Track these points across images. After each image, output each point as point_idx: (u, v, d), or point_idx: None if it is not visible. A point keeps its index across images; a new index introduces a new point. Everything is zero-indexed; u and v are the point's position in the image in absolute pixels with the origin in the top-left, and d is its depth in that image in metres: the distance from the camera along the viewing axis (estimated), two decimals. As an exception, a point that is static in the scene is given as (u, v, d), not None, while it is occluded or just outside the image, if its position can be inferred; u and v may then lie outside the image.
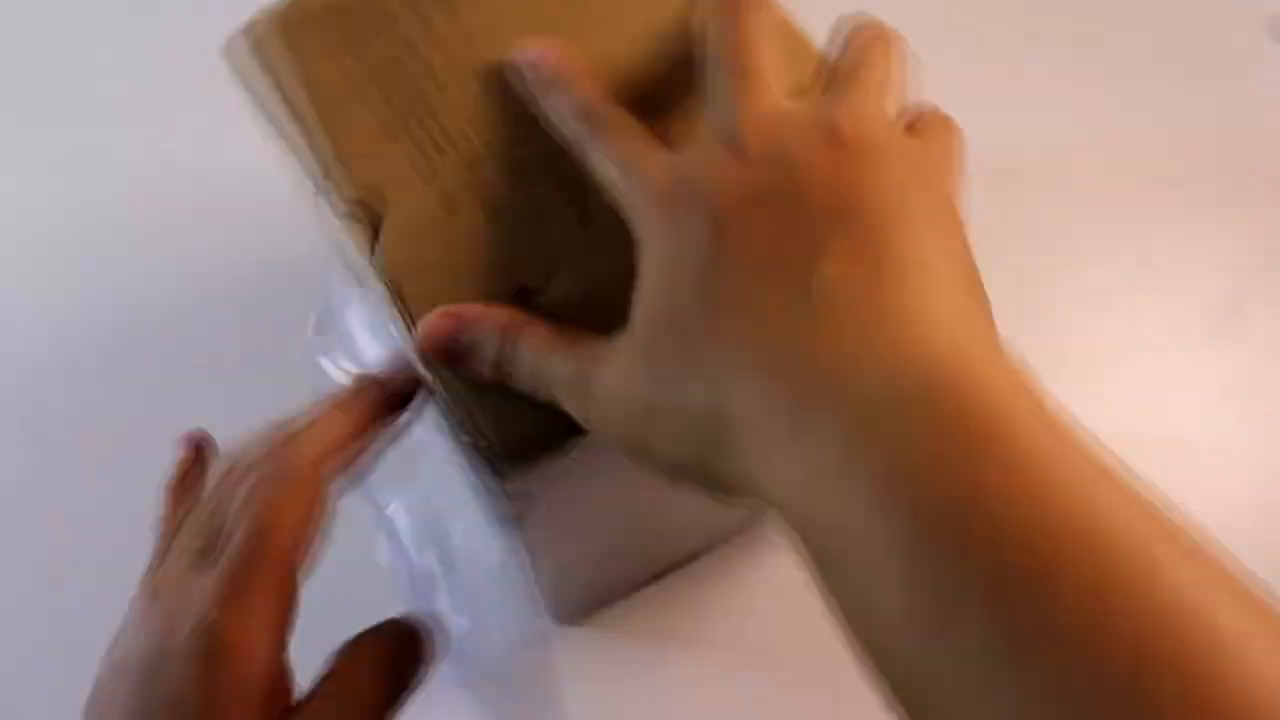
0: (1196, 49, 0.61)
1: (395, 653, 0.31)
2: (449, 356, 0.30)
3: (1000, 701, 0.21)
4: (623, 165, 0.29)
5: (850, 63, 0.30)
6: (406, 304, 0.32)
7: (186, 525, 0.31)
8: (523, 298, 0.32)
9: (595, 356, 0.28)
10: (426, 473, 0.44)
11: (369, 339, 0.44)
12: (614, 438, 0.28)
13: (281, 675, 0.29)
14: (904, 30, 0.32)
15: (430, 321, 0.30)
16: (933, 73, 0.34)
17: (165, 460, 0.35)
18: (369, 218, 0.33)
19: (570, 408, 0.29)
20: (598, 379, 0.28)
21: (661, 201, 0.28)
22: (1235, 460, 0.51)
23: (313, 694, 0.29)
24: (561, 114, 0.32)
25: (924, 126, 0.30)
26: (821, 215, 0.26)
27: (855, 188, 0.26)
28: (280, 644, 0.29)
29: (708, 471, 0.26)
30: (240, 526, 0.29)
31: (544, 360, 0.29)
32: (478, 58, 0.34)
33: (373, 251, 0.32)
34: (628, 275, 0.29)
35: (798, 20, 0.35)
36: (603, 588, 0.48)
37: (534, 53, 0.33)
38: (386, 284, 0.32)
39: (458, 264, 0.32)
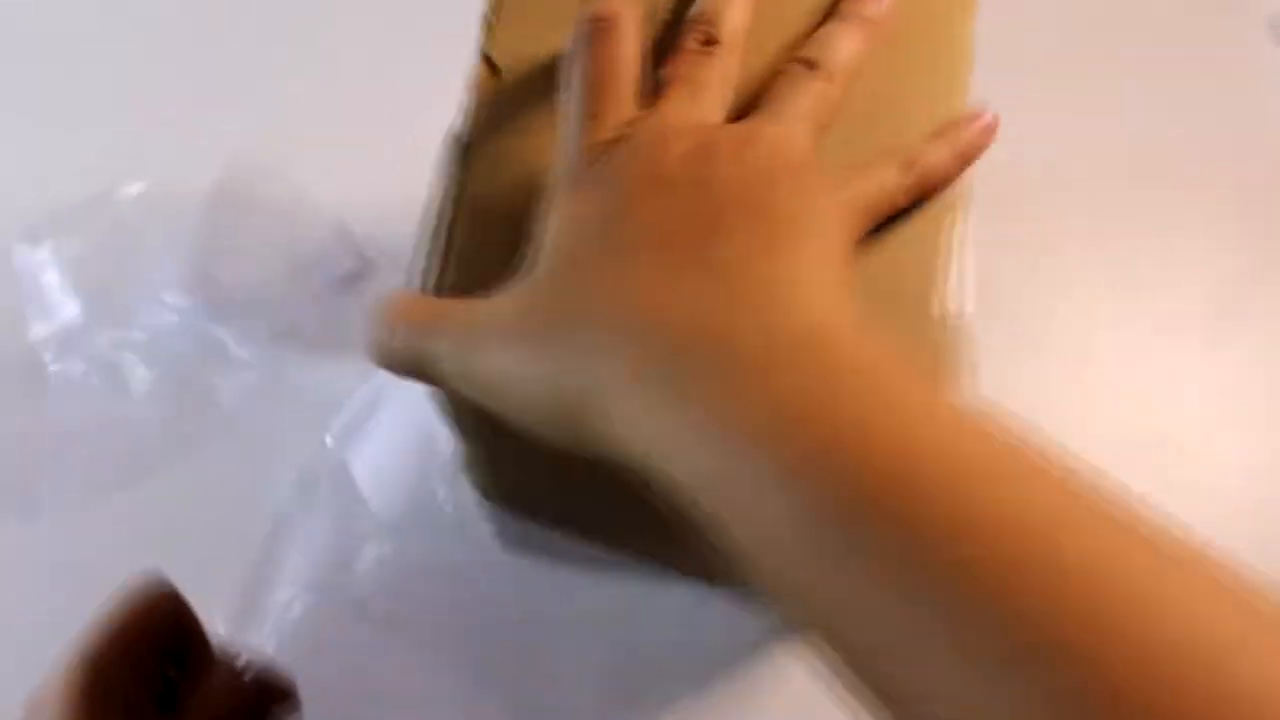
0: (1197, 50, 0.61)
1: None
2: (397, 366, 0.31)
3: (897, 621, 0.22)
4: (574, 123, 0.31)
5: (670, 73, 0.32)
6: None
7: None
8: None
9: (472, 318, 0.29)
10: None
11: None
12: (477, 397, 0.29)
13: None
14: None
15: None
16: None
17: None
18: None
19: (447, 377, 0.29)
20: (473, 336, 0.29)
21: (578, 177, 0.29)
22: (1228, 460, 0.51)
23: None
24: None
25: (771, 94, 0.32)
26: (731, 206, 0.28)
27: (765, 190, 0.28)
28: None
29: (573, 433, 0.27)
30: None
31: (421, 336, 0.30)
32: None
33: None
34: None
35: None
36: (539, 507, 0.48)
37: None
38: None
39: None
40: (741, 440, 0.24)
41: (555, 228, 0.29)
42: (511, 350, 0.28)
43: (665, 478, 0.25)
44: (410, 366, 0.30)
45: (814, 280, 0.27)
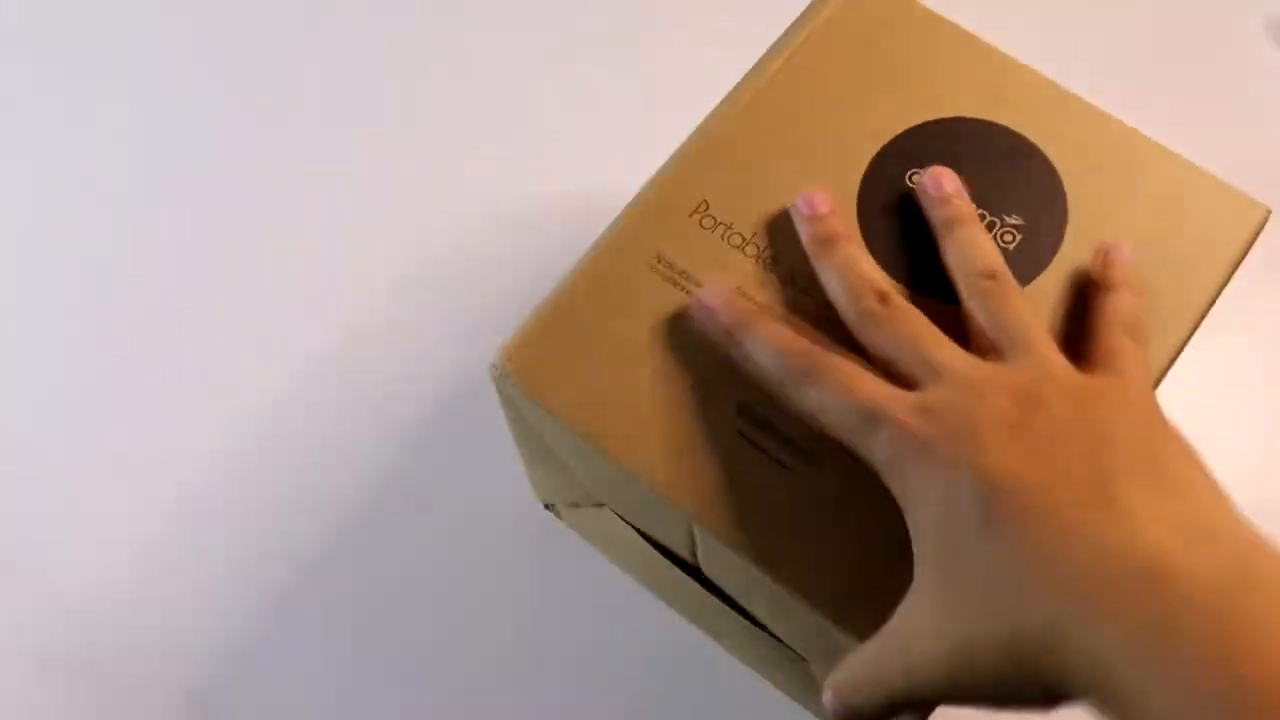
0: (1196, 50, 0.61)
1: None
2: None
3: None
4: (864, 411, 0.31)
5: (1000, 324, 0.33)
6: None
7: None
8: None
9: (898, 625, 0.29)
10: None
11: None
12: (937, 686, 0.29)
13: None
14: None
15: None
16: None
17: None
18: None
19: (898, 682, 0.29)
20: (906, 639, 0.29)
21: (922, 448, 0.29)
22: (1226, 462, 0.51)
23: None
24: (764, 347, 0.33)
25: (1107, 357, 0.32)
26: (1084, 445, 0.28)
27: (1102, 424, 0.29)
28: None
29: (1039, 682, 0.27)
30: None
31: (868, 661, 0.30)
32: None
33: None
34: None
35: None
36: None
37: (815, 204, 0.36)
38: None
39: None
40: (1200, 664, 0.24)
41: (924, 513, 0.29)
42: (946, 640, 0.28)
43: (1123, 698, 0.25)
44: (883, 713, 0.31)
45: (1221, 507, 0.28)
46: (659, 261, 0.37)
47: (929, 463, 0.29)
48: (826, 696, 0.31)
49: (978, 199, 0.38)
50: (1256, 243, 0.55)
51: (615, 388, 0.35)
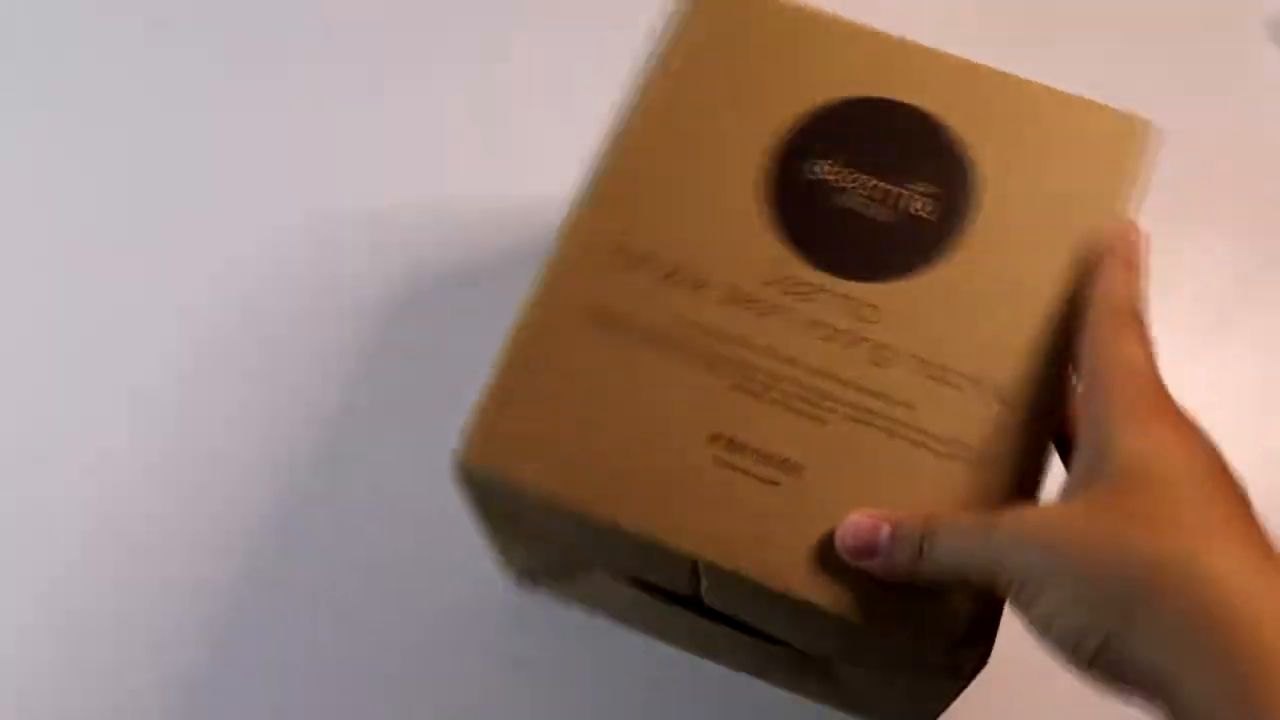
0: (1196, 50, 0.61)
1: None
2: (865, 553, 0.32)
3: None
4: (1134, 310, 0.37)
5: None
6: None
7: None
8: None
9: (1020, 525, 0.30)
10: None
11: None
12: (1029, 603, 0.29)
13: None
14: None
15: (856, 519, 0.33)
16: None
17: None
18: None
19: (994, 582, 0.30)
20: (1020, 547, 0.30)
21: (1163, 408, 0.35)
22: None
23: None
24: None
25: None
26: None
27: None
28: None
29: (1114, 650, 0.28)
30: None
31: (966, 542, 0.31)
32: None
33: None
34: None
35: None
36: None
37: None
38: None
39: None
40: None
41: (1143, 448, 0.32)
42: (1073, 553, 0.29)
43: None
44: (949, 570, 0.32)
45: None
46: (593, 312, 0.36)
47: (1169, 423, 0.34)
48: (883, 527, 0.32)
49: (880, 173, 0.38)
50: (1247, 236, 0.55)
51: (584, 448, 0.34)
